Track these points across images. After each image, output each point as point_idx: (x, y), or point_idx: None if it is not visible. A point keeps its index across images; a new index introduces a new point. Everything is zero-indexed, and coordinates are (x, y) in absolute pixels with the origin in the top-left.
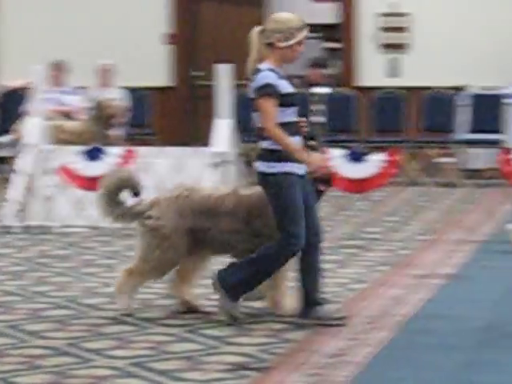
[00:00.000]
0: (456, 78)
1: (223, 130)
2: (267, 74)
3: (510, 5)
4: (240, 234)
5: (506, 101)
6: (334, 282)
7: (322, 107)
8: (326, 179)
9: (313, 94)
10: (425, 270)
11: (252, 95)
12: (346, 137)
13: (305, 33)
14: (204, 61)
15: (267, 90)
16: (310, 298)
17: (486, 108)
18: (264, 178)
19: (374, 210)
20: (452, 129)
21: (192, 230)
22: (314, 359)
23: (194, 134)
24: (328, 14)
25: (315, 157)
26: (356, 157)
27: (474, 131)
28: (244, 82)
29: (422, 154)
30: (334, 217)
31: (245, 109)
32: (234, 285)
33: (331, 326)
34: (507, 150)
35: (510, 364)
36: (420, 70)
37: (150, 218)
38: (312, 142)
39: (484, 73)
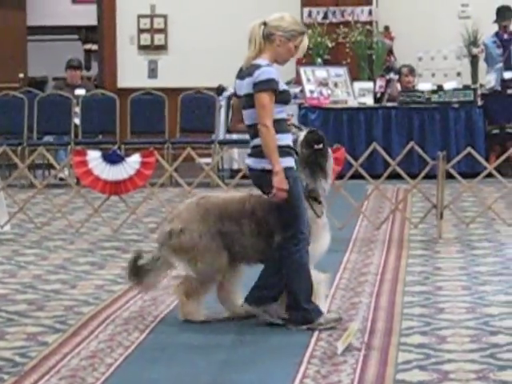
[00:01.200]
0: (214, 78)
1: None
2: (270, 69)
3: (260, 6)
4: (259, 236)
5: None
6: (92, 283)
7: (77, 109)
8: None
9: (75, 96)
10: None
11: (246, 90)
12: (105, 138)
13: (306, 40)
14: None
15: (272, 85)
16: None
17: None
18: (265, 176)
19: (132, 211)
20: (212, 129)
21: (219, 234)
22: (68, 362)
23: None
24: (88, 16)
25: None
26: (113, 158)
27: (231, 131)
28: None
29: (182, 154)
30: (92, 218)
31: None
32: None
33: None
34: None
35: (266, 362)
36: (178, 71)
37: (171, 236)
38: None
39: None
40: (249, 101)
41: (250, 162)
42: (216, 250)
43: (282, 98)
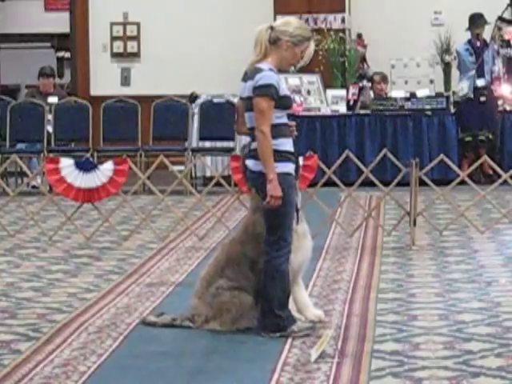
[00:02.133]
0: (186, 86)
1: None
2: (271, 74)
3: (233, 13)
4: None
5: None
6: (64, 291)
7: (50, 117)
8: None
9: (47, 104)
10: (155, 278)
11: (248, 93)
12: (78, 146)
13: (312, 46)
14: None
15: (270, 91)
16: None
17: (215, 116)
18: (263, 179)
19: (105, 219)
20: (185, 137)
21: None
22: (41, 369)
23: None
24: (60, 24)
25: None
26: (86, 166)
27: (205, 139)
28: None
29: (154, 162)
30: (65, 226)
31: None
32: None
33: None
34: (237, 158)
35: (239, 370)
36: (151, 78)
37: None
38: None
39: (212, 81)
40: (249, 104)
41: (250, 163)
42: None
43: (282, 103)
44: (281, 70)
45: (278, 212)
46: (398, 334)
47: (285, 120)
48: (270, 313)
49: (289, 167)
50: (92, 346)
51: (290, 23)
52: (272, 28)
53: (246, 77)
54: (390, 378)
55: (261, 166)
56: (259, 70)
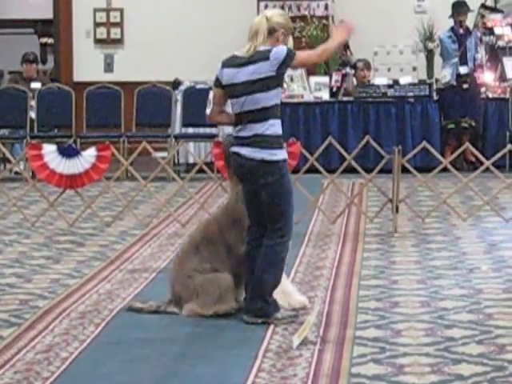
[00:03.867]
0: (170, 73)
1: None
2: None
3: (219, 3)
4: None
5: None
6: (47, 277)
7: (33, 103)
8: None
9: (31, 90)
10: (137, 265)
11: (252, 77)
12: (60, 132)
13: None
14: None
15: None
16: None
17: (198, 102)
18: (264, 166)
19: (87, 205)
20: (168, 123)
21: None
22: (23, 355)
23: None
24: (44, 10)
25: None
26: (69, 152)
27: (187, 125)
28: None
29: (137, 148)
30: (47, 212)
31: None
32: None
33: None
34: (219, 144)
35: (221, 356)
36: (134, 65)
37: None
38: None
39: (195, 67)
40: (259, 85)
41: (247, 151)
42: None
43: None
44: None
45: (282, 199)
46: (379, 321)
47: (278, 101)
48: (260, 298)
49: (285, 154)
50: (74, 332)
51: (283, 15)
52: (267, 19)
53: (239, 62)
54: (371, 364)
55: (261, 153)
56: (268, 50)
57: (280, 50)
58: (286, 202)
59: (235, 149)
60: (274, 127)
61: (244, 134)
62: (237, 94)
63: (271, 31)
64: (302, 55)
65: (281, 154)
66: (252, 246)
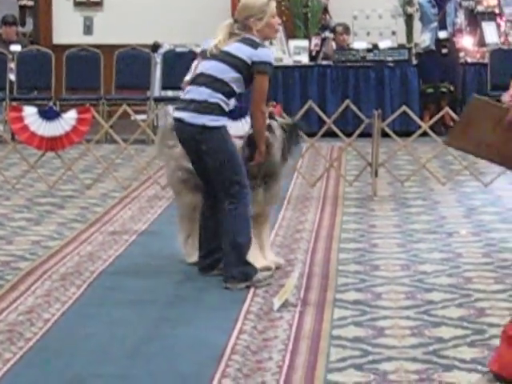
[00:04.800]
0: (149, 36)
1: None
2: (270, 52)
3: None
4: None
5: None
6: (28, 239)
7: (13, 65)
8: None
9: (10, 52)
10: (118, 227)
11: (247, 59)
12: (40, 95)
13: (273, 4)
14: None
15: (271, 70)
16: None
17: (178, 65)
18: (206, 132)
19: (68, 167)
20: (147, 86)
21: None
22: (5, 317)
23: None
24: None
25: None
26: (49, 115)
27: (168, 88)
28: None
29: (117, 111)
30: (28, 174)
31: None
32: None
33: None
34: None
35: (202, 318)
36: (114, 27)
37: None
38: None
39: (175, 30)
40: (235, 61)
41: (187, 116)
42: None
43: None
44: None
45: (228, 165)
46: (359, 284)
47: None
48: (240, 261)
49: (226, 120)
50: (56, 294)
51: (246, 6)
52: (236, 20)
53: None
54: (352, 327)
55: (202, 119)
56: (256, 43)
57: (267, 54)
58: (236, 166)
59: (176, 114)
60: (221, 103)
61: (193, 96)
62: (208, 57)
63: (244, 26)
64: (264, 89)
65: (224, 121)
66: (207, 215)
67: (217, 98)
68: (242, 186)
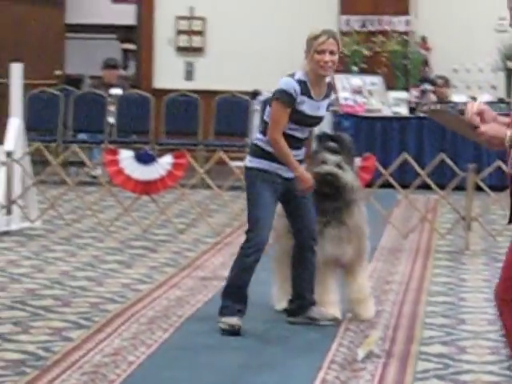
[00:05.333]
0: (249, 82)
1: (14, 129)
2: (287, 80)
3: (298, 12)
4: None
5: None
6: (118, 282)
7: (113, 108)
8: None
9: (110, 95)
10: (208, 273)
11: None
12: (139, 138)
13: (320, 40)
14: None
15: (282, 96)
16: (305, 299)
17: None
18: (245, 172)
19: (162, 211)
20: (246, 133)
21: None
22: (91, 358)
23: None
24: (127, 16)
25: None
26: (145, 158)
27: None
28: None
29: (214, 157)
30: (122, 217)
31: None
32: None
33: (324, 325)
34: None
35: (286, 366)
36: (214, 73)
37: None
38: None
39: (274, 78)
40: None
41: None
42: None
43: (294, 118)
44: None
45: (248, 205)
46: (445, 337)
47: (296, 133)
48: (223, 294)
49: (260, 163)
50: (142, 337)
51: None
52: None
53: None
54: (434, 380)
55: (245, 160)
56: (288, 74)
57: (280, 82)
58: (249, 209)
59: None
60: (260, 142)
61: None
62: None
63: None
64: (273, 114)
65: (254, 163)
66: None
67: (257, 138)
68: (250, 232)
